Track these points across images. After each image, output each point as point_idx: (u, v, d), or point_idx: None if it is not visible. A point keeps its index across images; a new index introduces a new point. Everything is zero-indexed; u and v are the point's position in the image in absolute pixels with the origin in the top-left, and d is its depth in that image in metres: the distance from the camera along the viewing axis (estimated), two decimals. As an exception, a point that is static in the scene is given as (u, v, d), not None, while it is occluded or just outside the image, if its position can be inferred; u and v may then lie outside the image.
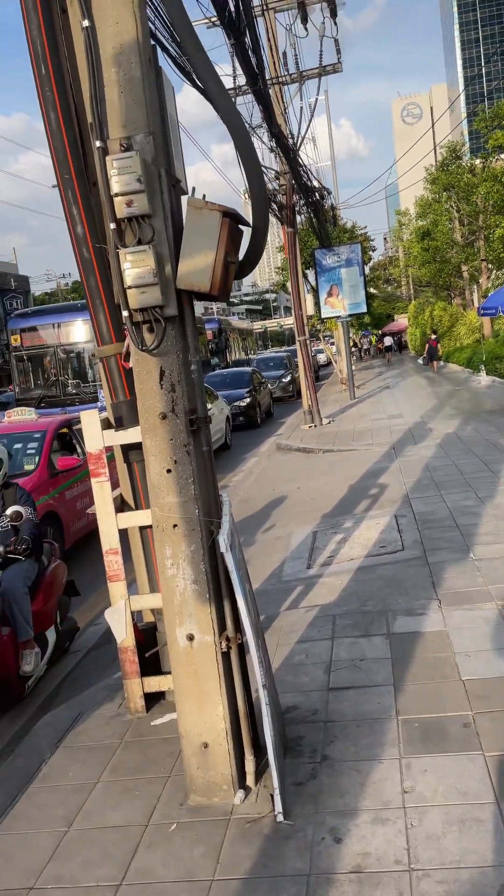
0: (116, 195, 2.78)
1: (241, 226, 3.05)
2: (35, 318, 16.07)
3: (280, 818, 2.93)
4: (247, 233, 3.18)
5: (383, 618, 4.77)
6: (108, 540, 3.91)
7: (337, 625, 4.78)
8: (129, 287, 2.83)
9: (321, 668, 4.20)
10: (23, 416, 8.81)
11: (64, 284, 54.23)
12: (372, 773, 3.16)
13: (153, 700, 4.07)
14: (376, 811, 2.92)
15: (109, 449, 3.90)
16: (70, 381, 15.13)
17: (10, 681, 4.40)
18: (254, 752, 3.21)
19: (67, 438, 8.39)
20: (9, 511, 4.72)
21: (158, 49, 4.01)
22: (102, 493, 3.88)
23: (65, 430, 8.35)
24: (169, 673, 3.80)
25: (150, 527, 3.51)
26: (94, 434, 3.83)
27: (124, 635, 3.95)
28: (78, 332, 14.86)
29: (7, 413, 9.18)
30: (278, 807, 2.94)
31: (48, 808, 3.30)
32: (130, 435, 3.66)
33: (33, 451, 7.77)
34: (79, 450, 8.16)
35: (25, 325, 15.62)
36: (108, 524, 3.90)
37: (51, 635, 5.04)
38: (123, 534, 3.96)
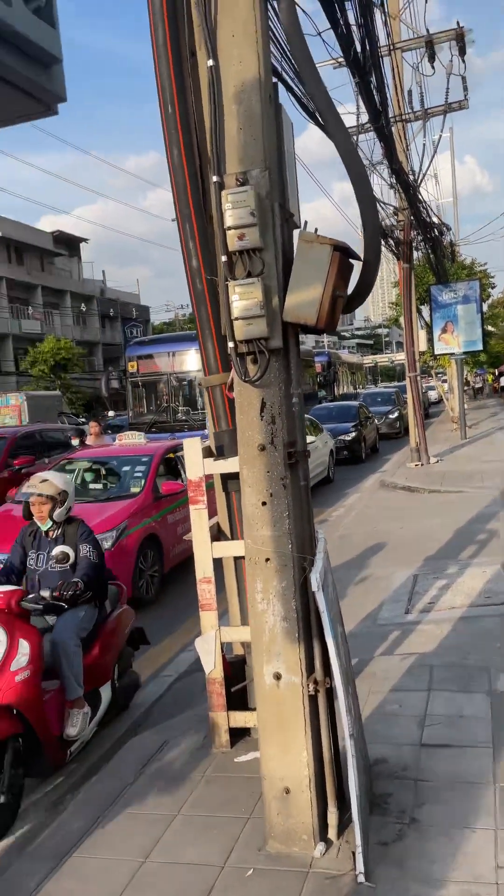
0: (229, 228, 2.82)
1: (351, 259, 3.01)
2: (151, 346, 16.67)
3: (361, 878, 2.77)
4: (357, 266, 3.14)
5: (486, 674, 4.49)
6: (203, 568, 3.91)
7: (434, 676, 4.54)
8: (236, 318, 2.85)
9: (415, 721, 3.99)
10: (133, 439, 9.15)
11: (182, 315, 56.21)
12: (464, 843, 2.94)
13: (238, 735, 3.99)
14: (466, 884, 2.71)
15: (210, 477, 3.92)
16: (180, 408, 15.51)
17: (50, 744, 3.80)
18: (337, 803, 3.06)
19: (173, 464, 8.57)
20: (55, 551, 4.15)
21: (282, 87, 4.09)
22: (199, 520, 3.90)
23: (171, 455, 8.54)
24: (255, 709, 3.72)
25: (244, 558, 3.48)
26: (195, 461, 3.86)
27: (212, 666, 3.92)
28: (190, 361, 15.24)
29: (119, 436, 9.59)
30: (360, 866, 2.79)
31: (127, 836, 3.29)
32: (230, 464, 3.66)
33: (140, 475, 8.00)
34: (183, 475, 8.30)
35: (142, 352, 16.22)
36: (203, 552, 3.90)
37: (105, 692, 4.41)
38: (219, 563, 3.95)
